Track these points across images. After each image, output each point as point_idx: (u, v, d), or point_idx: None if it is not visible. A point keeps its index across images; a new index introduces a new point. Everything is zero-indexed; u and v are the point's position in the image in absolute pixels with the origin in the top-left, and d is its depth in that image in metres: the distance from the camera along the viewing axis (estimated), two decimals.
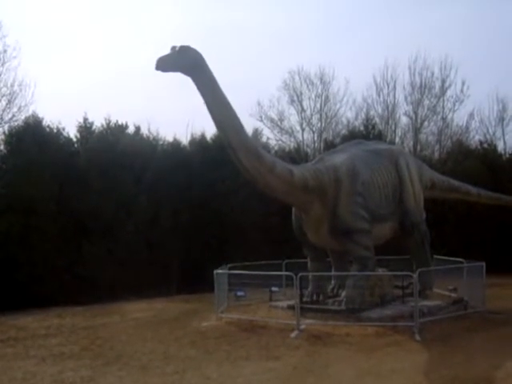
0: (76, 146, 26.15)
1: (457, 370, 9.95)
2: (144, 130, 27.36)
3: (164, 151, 26.96)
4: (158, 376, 10.17)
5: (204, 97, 12.55)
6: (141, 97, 43.97)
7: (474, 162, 30.00)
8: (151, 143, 27.07)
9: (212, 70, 12.59)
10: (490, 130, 35.52)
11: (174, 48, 12.18)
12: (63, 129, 25.58)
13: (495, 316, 14.74)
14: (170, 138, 27.85)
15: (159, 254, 23.97)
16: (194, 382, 9.72)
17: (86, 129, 26.26)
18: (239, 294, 17.24)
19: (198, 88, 12.52)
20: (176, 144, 27.74)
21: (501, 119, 35.41)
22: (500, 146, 34.19)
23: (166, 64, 12.17)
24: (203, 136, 28.17)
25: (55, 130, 25.28)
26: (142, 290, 21.60)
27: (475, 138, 35.23)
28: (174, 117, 39.09)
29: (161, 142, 27.50)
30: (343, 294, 14.68)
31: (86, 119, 26.19)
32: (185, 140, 28.75)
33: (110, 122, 26.43)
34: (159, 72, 12.26)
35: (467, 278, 15.57)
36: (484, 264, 15.13)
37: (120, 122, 26.78)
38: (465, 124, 35.33)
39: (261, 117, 32.47)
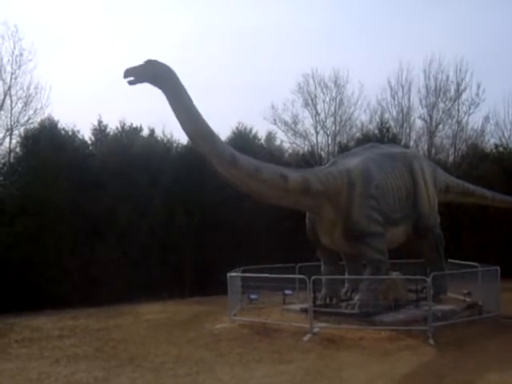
0: (91, 148, 26.40)
1: (471, 375, 9.89)
2: (158, 133, 27.58)
3: (178, 154, 27.08)
4: (171, 378, 10.19)
5: (172, 107, 12.51)
6: (155, 99, 44.09)
7: (490, 165, 29.84)
8: (165, 146, 27.21)
9: (181, 82, 12.56)
10: (506, 134, 35.23)
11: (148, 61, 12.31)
12: (78, 131, 25.92)
13: (509, 321, 14.59)
14: (183, 141, 27.96)
15: (173, 255, 24.07)
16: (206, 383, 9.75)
17: (100, 131, 26.50)
18: (252, 296, 17.26)
19: (167, 98, 12.51)
20: (190, 147, 27.70)
21: None
22: None
23: (133, 75, 12.19)
24: None
25: (70, 133, 25.55)
26: (156, 292, 21.70)
27: (490, 142, 35.01)
28: None
29: (175, 145, 27.66)
30: (356, 297, 14.63)
31: (100, 122, 26.46)
32: None
33: (124, 124, 26.65)
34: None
35: (482, 282, 15.46)
36: (498, 268, 15.01)
37: (134, 125, 27.02)
38: (480, 127, 35.05)
39: (275, 120, 32.38)
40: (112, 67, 48.03)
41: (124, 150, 25.08)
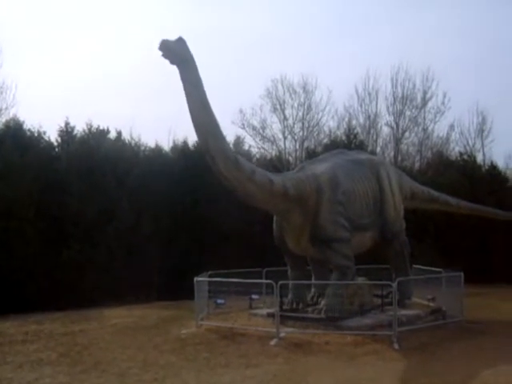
0: (57, 150, 25.99)
1: (434, 378, 10.05)
2: (126, 136, 27.35)
3: (146, 157, 26.92)
4: (137, 383, 10.13)
5: (188, 96, 12.42)
6: (122, 102, 43.88)
7: (454, 173, 30.36)
8: (133, 149, 27.01)
9: (198, 70, 12.51)
10: (470, 142, 36.01)
11: (165, 40, 12.04)
12: (44, 133, 25.48)
13: (473, 326, 14.88)
14: (151, 144, 27.88)
15: (140, 259, 23.87)
16: None
17: (67, 133, 26.11)
18: (219, 301, 17.23)
19: (184, 84, 12.38)
20: (158, 150, 27.73)
21: (480, 131, 35.92)
22: (479, 158, 34.72)
23: (168, 49, 11.94)
24: (185, 143, 28.24)
25: (36, 134, 25.14)
26: (122, 296, 21.54)
27: (455, 150, 35.74)
28: (156, 123, 39.06)
29: (142, 148, 27.48)
30: (323, 302, 14.74)
31: (67, 123, 26.05)
32: (167, 146, 28.79)
33: (91, 126, 26.31)
34: (161, 54, 11.98)
35: (446, 287, 15.73)
36: (462, 274, 15.27)
37: (102, 127, 26.70)
38: (445, 135, 35.83)
39: (243, 124, 32.60)
40: (80, 68, 47.60)
41: (91, 153, 24.81)
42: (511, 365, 10.79)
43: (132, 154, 26.40)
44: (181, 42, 12.16)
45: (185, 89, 12.46)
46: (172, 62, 12.26)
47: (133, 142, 27.29)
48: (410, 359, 11.50)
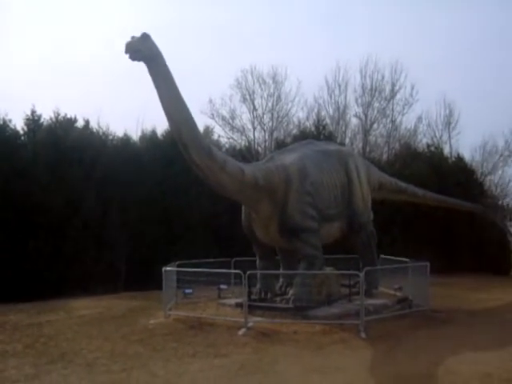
0: (23, 138, 25.53)
1: (400, 366, 10.20)
2: (94, 125, 27.00)
3: (114, 147, 26.63)
4: (104, 374, 10.05)
5: (158, 89, 12.41)
6: (90, 91, 43.27)
7: (421, 164, 30.71)
8: (101, 138, 26.67)
9: (167, 63, 12.48)
10: (437, 134, 36.41)
11: (133, 37, 12.02)
12: (10, 121, 24.97)
13: (438, 315, 15.13)
14: (120, 134, 27.57)
15: (107, 250, 23.70)
16: (141, 379, 9.65)
17: (33, 121, 25.65)
18: (187, 291, 17.20)
19: (153, 79, 12.36)
20: (126, 139, 27.45)
21: (447, 123, 36.31)
22: (446, 150, 35.13)
23: (134, 49, 11.90)
24: (154, 132, 28.04)
25: (1, 122, 24.64)
26: (89, 287, 21.34)
27: (423, 142, 36.11)
28: (125, 112, 38.65)
29: (110, 137, 27.15)
30: (291, 292, 14.82)
31: (33, 112, 25.60)
32: (135, 136, 28.51)
33: (58, 115, 25.94)
34: (128, 56, 11.98)
35: (412, 277, 15.91)
36: (428, 264, 15.49)
37: (69, 116, 26.34)
38: (413, 127, 36.14)
39: (212, 114, 32.40)
40: (47, 55, 46.81)
41: (57, 142, 24.43)
42: (474, 353, 11.00)
43: (100, 143, 26.06)
44: (145, 38, 12.06)
45: (155, 83, 12.42)
46: (139, 60, 12.20)
47: (100, 131, 26.97)
48: (376, 348, 11.63)
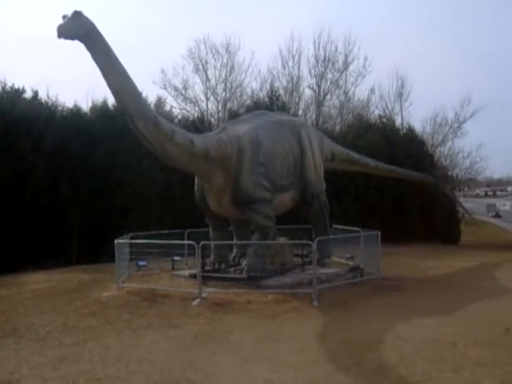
0: None
1: (351, 333, 10.41)
2: (42, 95, 26.32)
3: (64, 118, 26.04)
4: (57, 348, 9.95)
5: (99, 64, 12.21)
6: (39, 60, 42.19)
7: (374, 135, 31.10)
8: (50, 109, 26.03)
9: (104, 37, 12.25)
10: (389, 106, 36.95)
11: (65, 16, 11.76)
12: None
13: (388, 282, 15.47)
14: (70, 104, 26.98)
15: (59, 223, 23.33)
16: (94, 352, 9.59)
17: None
18: (141, 263, 17.11)
19: (93, 55, 12.17)
20: (76, 110, 26.87)
21: (399, 95, 36.88)
22: (398, 121, 35.70)
23: (66, 31, 11.70)
24: (105, 103, 27.51)
25: None
26: (41, 261, 21.03)
27: (375, 113, 36.62)
28: (74, 82, 37.82)
29: (60, 108, 26.55)
30: (244, 262, 14.90)
31: None
32: (85, 107, 27.94)
33: (5, 85, 25.19)
34: (62, 39, 11.80)
35: (364, 246, 16.17)
36: (379, 233, 15.78)
37: (17, 86, 25.61)
38: (366, 99, 36.53)
39: (164, 85, 31.94)
40: None
41: (5, 113, 23.76)
42: (423, 319, 11.29)
43: (49, 115, 25.44)
44: (77, 16, 11.79)
45: (94, 59, 12.20)
46: (74, 40, 11.97)
47: (50, 102, 26.31)
48: (328, 315, 11.83)
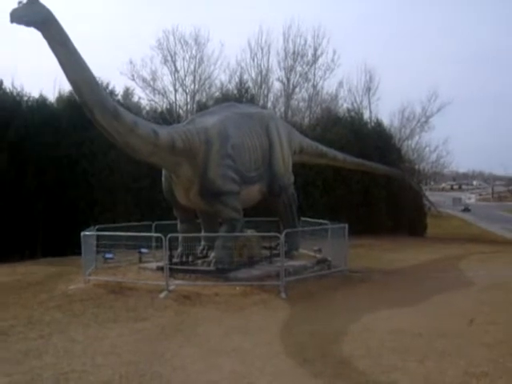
0: None
1: (318, 324, 10.48)
2: (7, 84, 25.88)
3: (29, 108, 25.70)
4: (22, 341, 9.78)
5: (56, 53, 11.94)
6: (2, 49, 41.43)
7: (342, 129, 31.30)
8: (15, 99, 25.63)
9: (62, 25, 12.01)
10: (358, 99, 37.27)
11: (20, 2, 11.51)
12: None
13: (356, 275, 15.61)
14: (35, 94, 26.57)
15: (23, 216, 22.99)
16: (59, 345, 9.46)
17: None
18: (107, 256, 16.90)
19: (49, 44, 11.90)
20: (42, 100, 26.51)
21: (368, 89, 37.26)
22: (366, 115, 36.03)
23: (20, 16, 11.42)
24: (71, 93, 27.06)
25: None
26: (5, 254, 20.68)
27: (343, 106, 36.91)
28: (40, 71, 37.22)
29: (25, 98, 26.15)
30: (212, 254, 14.84)
31: None
32: (52, 97, 27.53)
33: None
34: (15, 24, 11.53)
35: (331, 239, 16.25)
36: (347, 226, 15.85)
37: None
38: (334, 92, 36.75)
39: (133, 76, 31.67)
40: None
41: None
42: (389, 310, 11.40)
43: (14, 105, 25.05)
44: (33, 3, 11.55)
45: (50, 47, 11.93)
46: (28, 26, 11.72)
47: (14, 92, 25.89)
48: (296, 307, 11.89)
